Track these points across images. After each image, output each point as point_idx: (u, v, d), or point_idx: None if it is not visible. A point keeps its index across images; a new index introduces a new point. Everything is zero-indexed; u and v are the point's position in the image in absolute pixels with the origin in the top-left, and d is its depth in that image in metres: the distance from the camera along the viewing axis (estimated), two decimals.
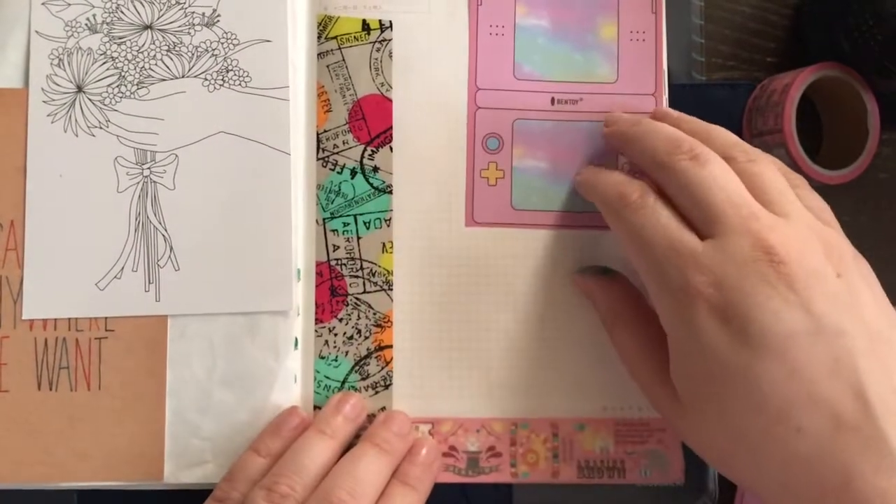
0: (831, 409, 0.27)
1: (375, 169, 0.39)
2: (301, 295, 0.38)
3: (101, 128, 0.38)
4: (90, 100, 0.38)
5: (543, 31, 0.39)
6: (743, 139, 0.40)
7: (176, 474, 0.37)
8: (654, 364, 0.33)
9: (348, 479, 0.34)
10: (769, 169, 0.32)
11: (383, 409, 0.38)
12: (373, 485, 0.34)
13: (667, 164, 0.32)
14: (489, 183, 0.39)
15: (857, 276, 0.30)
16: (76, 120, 0.38)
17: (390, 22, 0.39)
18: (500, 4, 0.39)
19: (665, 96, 0.39)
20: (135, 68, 0.38)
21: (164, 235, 0.38)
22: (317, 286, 0.38)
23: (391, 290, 0.38)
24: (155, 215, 0.38)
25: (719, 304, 0.29)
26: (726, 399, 0.29)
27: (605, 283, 0.37)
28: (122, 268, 0.37)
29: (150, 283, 0.37)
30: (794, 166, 0.38)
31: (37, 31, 0.38)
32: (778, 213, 0.30)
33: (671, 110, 0.37)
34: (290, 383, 0.37)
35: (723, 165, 0.31)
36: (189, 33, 0.39)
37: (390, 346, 0.38)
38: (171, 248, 0.38)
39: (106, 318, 0.37)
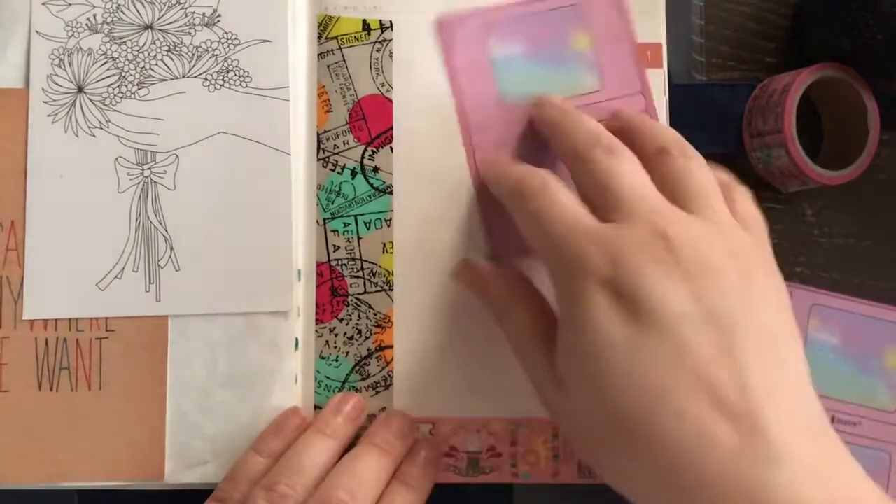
0: (714, 396, 0.27)
1: (376, 169, 0.39)
2: (302, 295, 0.38)
3: (101, 128, 0.38)
4: (91, 100, 0.38)
5: (519, 58, 0.39)
6: (743, 140, 0.41)
7: (176, 474, 0.37)
8: (544, 347, 0.32)
9: (348, 480, 0.34)
10: (701, 169, 0.32)
11: (384, 409, 0.38)
12: (373, 485, 0.34)
13: (582, 155, 0.32)
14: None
15: (762, 283, 0.30)
16: (77, 120, 0.38)
17: (391, 22, 0.39)
18: (471, 44, 0.39)
19: (656, 89, 0.39)
20: (135, 68, 0.38)
21: (164, 236, 0.38)
22: (317, 286, 0.38)
23: (392, 290, 0.38)
24: (155, 215, 0.38)
25: (612, 280, 0.28)
26: (609, 376, 0.28)
27: (498, 270, 0.36)
28: (123, 268, 0.37)
29: (150, 283, 0.37)
30: (795, 167, 0.38)
31: (37, 32, 0.38)
32: (691, 210, 0.30)
33: (625, 112, 0.37)
34: (290, 384, 0.37)
35: (637, 164, 0.32)
36: (189, 33, 0.39)
37: (391, 347, 0.38)
38: (172, 249, 0.38)
39: (106, 318, 0.37)
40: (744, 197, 0.33)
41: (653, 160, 0.32)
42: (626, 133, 0.34)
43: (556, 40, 0.39)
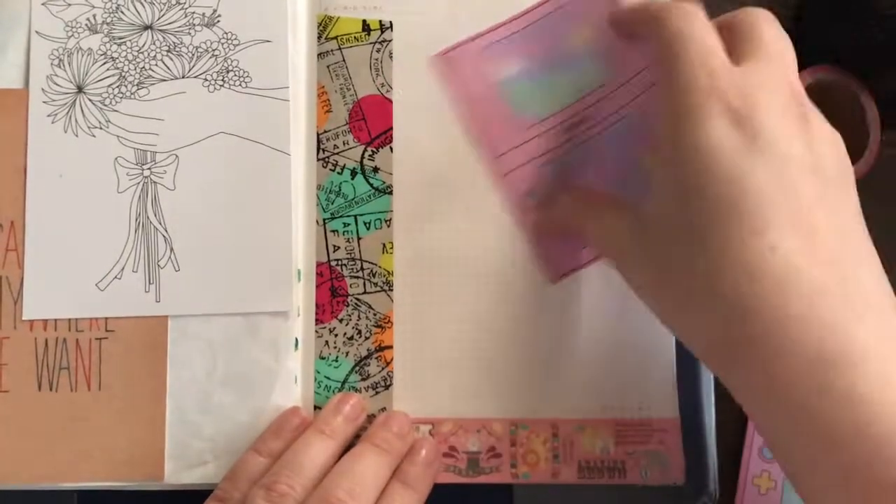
0: (810, 230, 0.28)
1: (376, 169, 0.39)
2: (301, 295, 0.38)
3: (101, 128, 0.38)
4: (90, 100, 0.38)
5: (523, 74, 0.39)
6: None
7: (176, 474, 0.37)
8: (617, 215, 0.33)
9: (347, 479, 0.34)
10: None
11: (383, 409, 0.38)
12: (372, 485, 0.34)
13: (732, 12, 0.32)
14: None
15: (853, 188, 0.31)
16: (76, 120, 0.38)
17: (390, 22, 0.39)
18: (472, 73, 0.39)
19: None
20: (135, 69, 0.38)
21: (164, 236, 0.38)
22: (317, 287, 0.38)
23: (391, 290, 0.38)
24: (155, 216, 0.38)
25: (738, 109, 0.29)
26: (713, 201, 0.28)
27: (569, 195, 0.37)
28: (123, 268, 0.37)
29: (150, 283, 0.37)
30: None
31: (37, 32, 0.38)
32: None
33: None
34: (290, 384, 0.37)
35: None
36: (189, 34, 0.39)
37: (390, 347, 0.38)
38: (172, 249, 0.38)
39: (106, 318, 0.37)
40: None
41: None
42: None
43: (556, 45, 0.39)
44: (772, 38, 0.31)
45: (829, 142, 0.30)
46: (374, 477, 0.34)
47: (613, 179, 0.38)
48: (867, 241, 0.30)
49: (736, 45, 0.31)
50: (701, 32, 0.30)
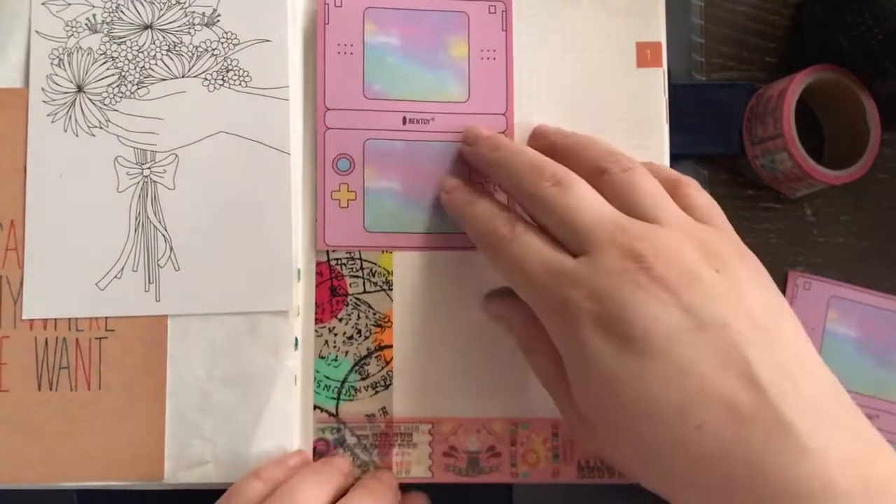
0: (727, 402, 0.27)
1: None
2: (301, 295, 0.38)
3: (101, 127, 0.38)
4: (90, 99, 0.38)
5: (393, 50, 0.39)
6: (744, 147, 0.41)
7: (176, 474, 0.37)
8: (564, 382, 0.32)
9: None
10: (642, 177, 0.32)
11: (383, 409, 0.38)
12: None
13: (532, 193, 0.32)
14: (340, 205, 0.38)
15: (740, 271, 0.30)
16: (76, 120, 0.38)
17: None
18: (348, 23, 0.39)
19: (655, 89, 0.39)
20: (135, 68, 0.38)
21: (164, 235, 0.38)
22: (317, 286, 0.38)
23: (391, 290, 0.38)
24: (155, 215, 0.38)
25: (600, 316, 0.29)
26: (623, 409, 0.29)
27: (519, 306, 0.34)
28: (123, 267, 0.37)
29: (150, 282, 0.37)
30: (798, 168, 0.38)
31: (37, 31, 0.38)
32: (650, 219, 0.31)
33: (548, 127, 0.37)
34: (290, 383, 0.37)
35: (586, 187, 0.32)
36: (189, 33, 0.39)
37: (390, 346, 0.38)
38: (171, 248, 0.38)
39: (106, 317, 0.37)
40: (694, 189, 0.33)
41: (594, 182, 0.33)
42: (557, 153, 0.35)
43: (435, 43, 0.39)
44: (584, 213, 0.31)
45: (691, 257, 0.29)
46: None
47: (424, 186, 0.38)
48: (776, 321, 0.29)
49: (559, 232, 0.31)
50: (530, 239, 0.32)
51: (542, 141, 0.37)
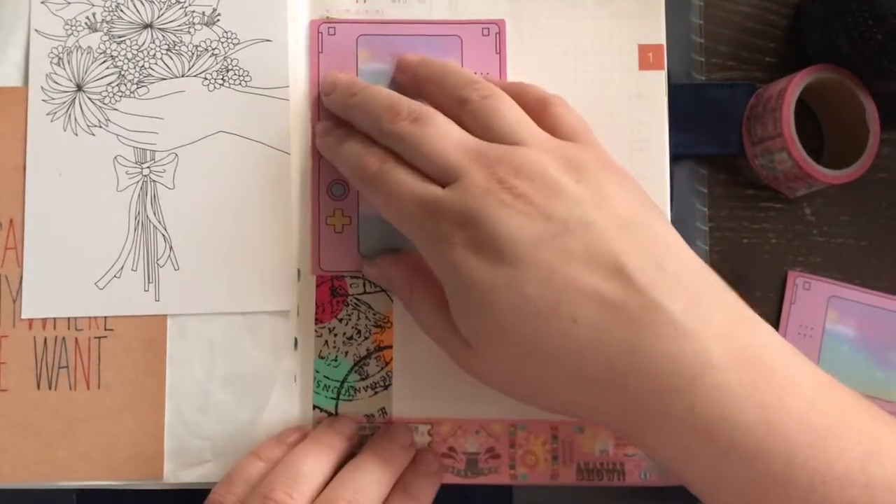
0: (597, 294, 0.29)
1: None
2: (301, 295, 0.38)
3: (100, 127, 0.38)
4: (90, 99, 0.38)
5: (387, 76, 0.39)
6: (743, 146, 0.41)
7: (176, 474, 0.37)
8: (446, 317, 0.33)
9: (349, 488, 0.33)
10: (503, 102, 0.33)
11: (383, 409, 0.38)
12: (374, 494, 0.34)
13: (391, 132, 0.33)
14: (335, 230, 0.38)
15: (604, 179, 0.31)
16: (76, 119, 0.38)
17: None
18: (342, 51, 0.39)
19: (657, 90, 0.39)
20: (134, 67, 0.38)
21: (163, 235, 0.38)
22: (317, 286, 0.38)
23: (391, 290, 0.38)
24: (154, 215, 0.38)
25: (470, 237, 0.30)
26: (503, 318, 0.30)
27: (397, 259, 0.37)
28: (122, 267, 0.37)
29: (149, 282, 0.37)
30: (798, 168, 0.38)
31: (36, 30, 0.38)
32: (512, 142, 0.32)
33: (410, 58, 0.38)
34: (289, 383, 0.37)
35: (443, 119, 0.33)
36: (189, 32, 0.39)
37: (390, 347, 0.38)
38: (171, 248, 0.38)
39: (105, 317, 0.37)
40: (562, 108, 0.35)
41: (456, 111, 0.34)
42: (419, 84, 0.36)
43: None
44: (443, 148, 0.32)
45: (552, 170, 0.31)
46: (375, 487, 0.34)
47: None
48: (641, 217, 0.31)
49: (424, 166, 0.33)
50: (398, 174, 0.33)
51: (405, 74, 0.37)
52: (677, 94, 0.39)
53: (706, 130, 0.41)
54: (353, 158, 0.35)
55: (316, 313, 0.38)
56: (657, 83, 0.39)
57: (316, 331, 0.38)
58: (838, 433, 0.28)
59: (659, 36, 0.39)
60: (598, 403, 0.30)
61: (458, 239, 0.30)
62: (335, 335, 0.38)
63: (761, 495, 0.28)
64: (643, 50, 0.39)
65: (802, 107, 0.40)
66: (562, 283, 0.29)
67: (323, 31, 0.39)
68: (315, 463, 0.34)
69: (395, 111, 0.33)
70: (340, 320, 0.38)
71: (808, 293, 0.41)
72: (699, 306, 0.29)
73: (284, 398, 0.37)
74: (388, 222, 0.34)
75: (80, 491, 0.38)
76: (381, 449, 0.36)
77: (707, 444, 0.28)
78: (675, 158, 0.39)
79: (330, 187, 0.38)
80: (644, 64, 0.39)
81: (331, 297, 0.38)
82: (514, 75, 0.39)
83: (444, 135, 0.32)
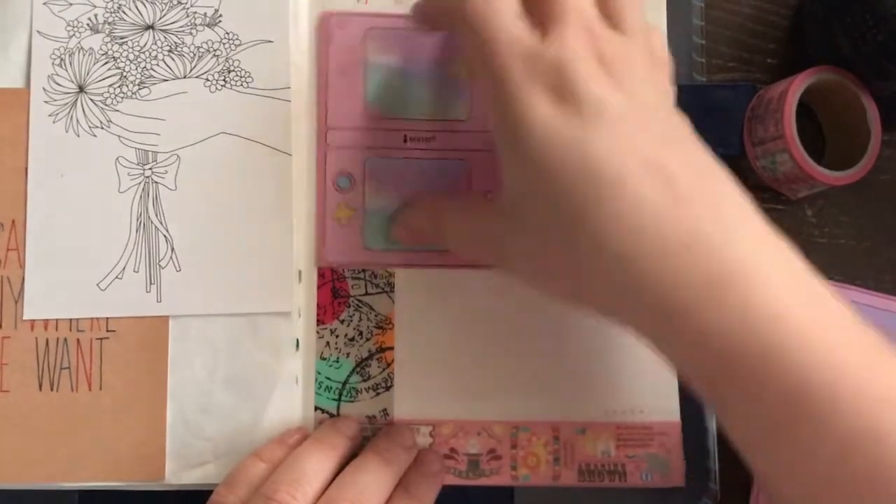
0: (667, 175, 0.28)
1: None
2: (303, 296, 0.38)
3: (102, 128, 0.38)
4: (91, 100, 0.38)
5: (394, 70, 0.39)
6: (744, 148, 0.41)
7: (177, 475, 0.37)
8: (481, 210, 0.33)
9: (352, 489, 0.33)
10: None
11: (384, 410, 0.38)
12: (376, 495, 0.34)
13: None
14: (340, 223, 0.38)
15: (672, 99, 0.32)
16: (77, 120, 0.38)
17: None
18: (350, 42, 0.39)
19: None
20: (136, 68, 0.38)
21: (165, 236, 0.38)
22: (319, 288, 0.38)
23: (393, 292, 0.38)
24: (156, 216, 0.38)
25: (555, 85, 0.29)
26: (562, 177, 0.28)
27: (416, 203, 0.37)
28: (124, 268, 0.37)
29: (151, 283, 0.37)
30: (799, 169, 0.38)
31: (38, 31, 0.38)
32: (618, 27, 0.31)
33: None
34: (291, 384, 0.37)
35: None
36: (191, 33, 0.39)
37: (391, 348, 0.38)
38: (173, 249, 0.37)
39: (107, 318, 0.37)
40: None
41: None
42: None
43: (436, 62, 0.39)
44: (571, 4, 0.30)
45: (643, 69, 0.31)
46: (378, 487, 0.34)
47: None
48: (708, 154, 0.30)
49: (535, 8, 0.31)
50: (504, 15, 0.30)
51: None
52: (678, 96, 0.39)
53: (707, 132, 0.40)
54: None
55: (317, 315, 0.38)
56: None
57: (318, 332, 0.38)
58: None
59: None
60: (628, 282, 0.28)
61: (541, 82, 0.29)
62: (336, 336, 0.38)
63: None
64: None
65: (803, 108, 0.40)
66: (633, 157, 0.28)
67: (333, 23, 0.39)
68: (318, 463, 0.34)
69: None
70: (342, 321, 0.38)
71: None
72: (746, 224, 0.29)
73: (286, 399, 0.37)
74: (472, 66, 0.32)
75: (83, 492, 0.38)
76: (384, 449, 0.35)
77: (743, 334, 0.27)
78: None
79: (336, 179, 0.38)
80: None
81: (332, 298, 0.38)
82: None
83: None
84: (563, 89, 0.29)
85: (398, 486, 0.35)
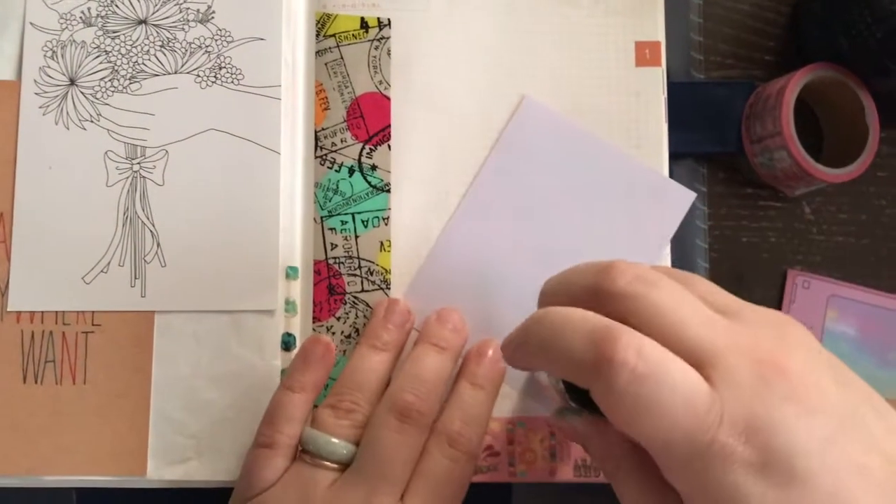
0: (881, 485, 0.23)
1: (374, 167, 0.38)
2: (299, 293, 0.37)
3: (92, 121, 0.38)
4: (82, 93, 0.38)
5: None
6: (742, 145, 0.40)
7: (160, 471, 0.36)
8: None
9: (413, 382, 0.33)
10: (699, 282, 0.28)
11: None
12: (437, 384, 0.34)
13: (614, 291, 0.26)
14: None
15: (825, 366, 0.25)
16: (68, 113, 0.38)
17: (388, 20, 0.39)
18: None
19: (654, 88, 0.39)
20: (128, 63, 0.38)
21: (151, 231, 0.37)
22: (315, 284, 0.38)
23: (389, 288, 0.38)
24: (143, 210, 0.37)
25: (754, 458, 0.23)
26: None
27: (596, 427, 0.29)
28: (109, 262, 0.37)
29: (136, 278, 0.37)
30: (797, 166, 0.38)
31: (31, 23, 0.38)
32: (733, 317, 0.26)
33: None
34: (275, 381, 0.36)
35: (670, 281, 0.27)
36: (183, 29, 0.38)
37: None
38: (158, 244, 0.37)
39: (93, 312, 0.37)
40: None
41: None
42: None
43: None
44: (694, 330, 0.25)
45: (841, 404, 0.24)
46: (437, 376, 0.34)
47: None
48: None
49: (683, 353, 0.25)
50: (672, 366, 0.24)
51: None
52: (677, 93, 0.39)
53: (705, 129, 0.41)
54: (599, 332, 0.25)
55: (314, 311, 0.38)
56: (654, 80, 0.39)
57: (314, 329, 0.38)
58: None
59: (656, 32, 0.39)
60: None
61: (739, 456, 0.23)
62: (333, 333, 0.38)
63: None
64: (640, 46, 0.39)
65: (802, 105, 0.40)
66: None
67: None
68: (374, 366, 0.35)
69: (610, 269, 0.26)
70: (338, 318, 0.38)
71: (808, 292, 0.40)
72: None
73: (269, 397, 0.36)
74: (632, 433, 0.25)
75: (80, 490, 0.37)
76: (436, 339, 0.35)
77: None
78: (675, 157, 0.39)
79: None
80: (641, 60, 0.39)
81: (328, 295, 0.38)
82: (512, 74, 0.39)
83: (681, 300, 0.25)
84: (764, 458, 0.23)
85: (462, 376, 0.35)
